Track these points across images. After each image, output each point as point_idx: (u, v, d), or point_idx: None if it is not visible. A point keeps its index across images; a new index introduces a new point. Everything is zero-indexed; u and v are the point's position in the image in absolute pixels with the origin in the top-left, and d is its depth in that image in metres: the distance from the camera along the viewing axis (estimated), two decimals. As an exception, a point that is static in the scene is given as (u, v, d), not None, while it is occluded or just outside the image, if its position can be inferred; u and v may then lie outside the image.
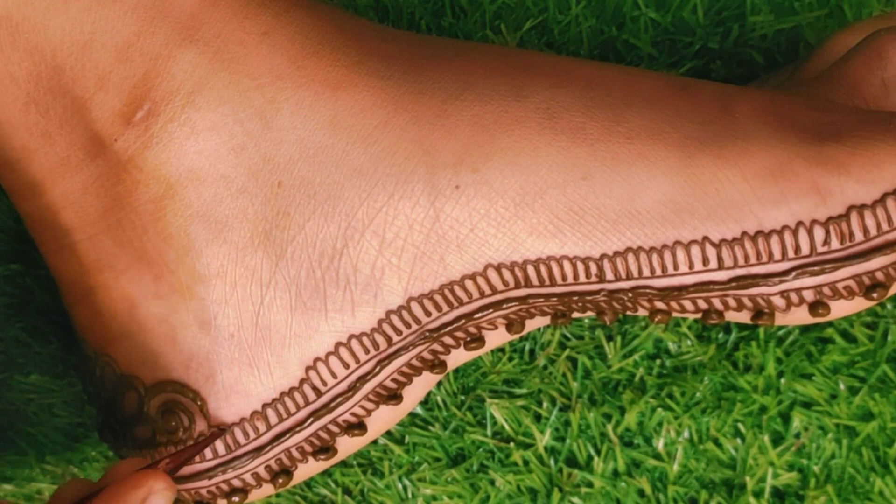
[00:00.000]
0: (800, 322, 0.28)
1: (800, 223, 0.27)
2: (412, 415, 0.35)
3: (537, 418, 0.35)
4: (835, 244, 0.27)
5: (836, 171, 0.27)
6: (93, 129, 0.27)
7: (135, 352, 0.29)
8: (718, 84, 0.29)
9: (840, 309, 0.28)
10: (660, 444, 0.35)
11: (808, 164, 0.27)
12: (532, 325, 0.30)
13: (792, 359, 0.35)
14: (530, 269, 0.28)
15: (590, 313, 0.29)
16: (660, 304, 0.28)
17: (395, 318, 0.28)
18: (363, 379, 0.29)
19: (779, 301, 0.28)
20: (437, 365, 0.30)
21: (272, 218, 0.28)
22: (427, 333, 0.29)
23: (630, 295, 0.28)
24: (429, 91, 0.28)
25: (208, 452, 0.29)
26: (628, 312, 0.29)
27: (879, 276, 0.27)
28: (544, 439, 0.35)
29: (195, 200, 0.27)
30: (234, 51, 0.27)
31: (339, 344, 0.28)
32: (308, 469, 0.30)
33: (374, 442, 0.35)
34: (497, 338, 0.30)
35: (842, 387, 0.35)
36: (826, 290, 0.27)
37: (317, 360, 0.28)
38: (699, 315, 0.28)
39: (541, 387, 0.35)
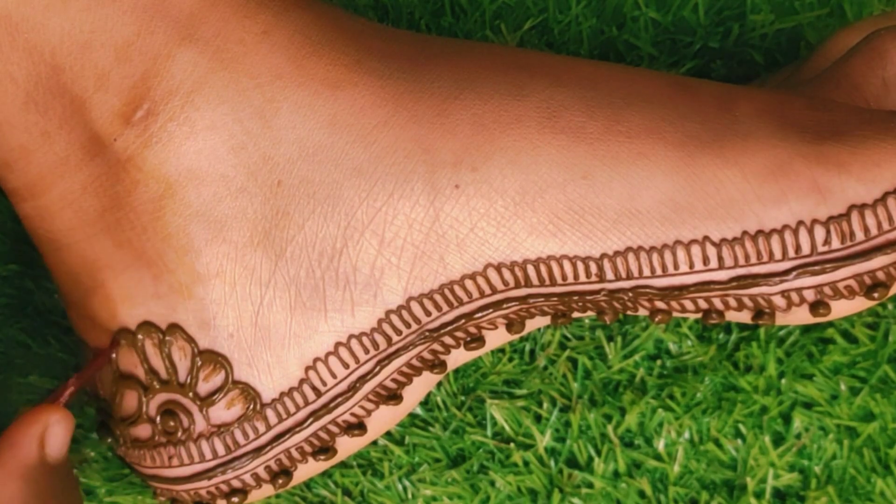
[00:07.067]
0: (801, 322, 0.28)
1: (800, 222, 0.27)
2: (412, 415, 0.35)
3: (537, 419, 0.35)
4: (835, 243, 0.27)
5: (837, 170, 0.26)
6: (92, 129, 0.27)
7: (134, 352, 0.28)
8: (719, 83, 0.29)
9: (841, 309, 0.28)
10: (660, 445, 0.35)
11: (809, 163, 0.27)
12: (532, 325, 0.30)
13: (793, 359, 0.34)
14: (530, 269, 0.28)
15: (590, 313, 0.29)
16: (660, 304, 0.28)
17: (394, 318, 0.28)
18: (363, 379, 0.29)
19: (779, 301, 0.28)
20: (437, 365, 0.29)
21: (272, 217, 0.28)
22: (427, 333, 0.28)
23: (630, 295, 0.28)
24: (428, 90, 0.28)
25: (208, 453, 0.29)
26: (629, 312, 0.29)
27: (880, 275, 0.27)
28: (545, 440, 0.35)
29: (194, 200, 0.27)
30: (234, 50, 0.27)
31: (338, 344, 0.28)
32: (308, 469, 0.30)
33: (374, 443, 0.35)
34: (497, 338, 0.30)
35: (843, 387, 0.35)
36: (827, 290, 0.27)
37: (316, 360, 0.28)
38: (700, 315, 0.28)
39: (541, 387, 0.35)
